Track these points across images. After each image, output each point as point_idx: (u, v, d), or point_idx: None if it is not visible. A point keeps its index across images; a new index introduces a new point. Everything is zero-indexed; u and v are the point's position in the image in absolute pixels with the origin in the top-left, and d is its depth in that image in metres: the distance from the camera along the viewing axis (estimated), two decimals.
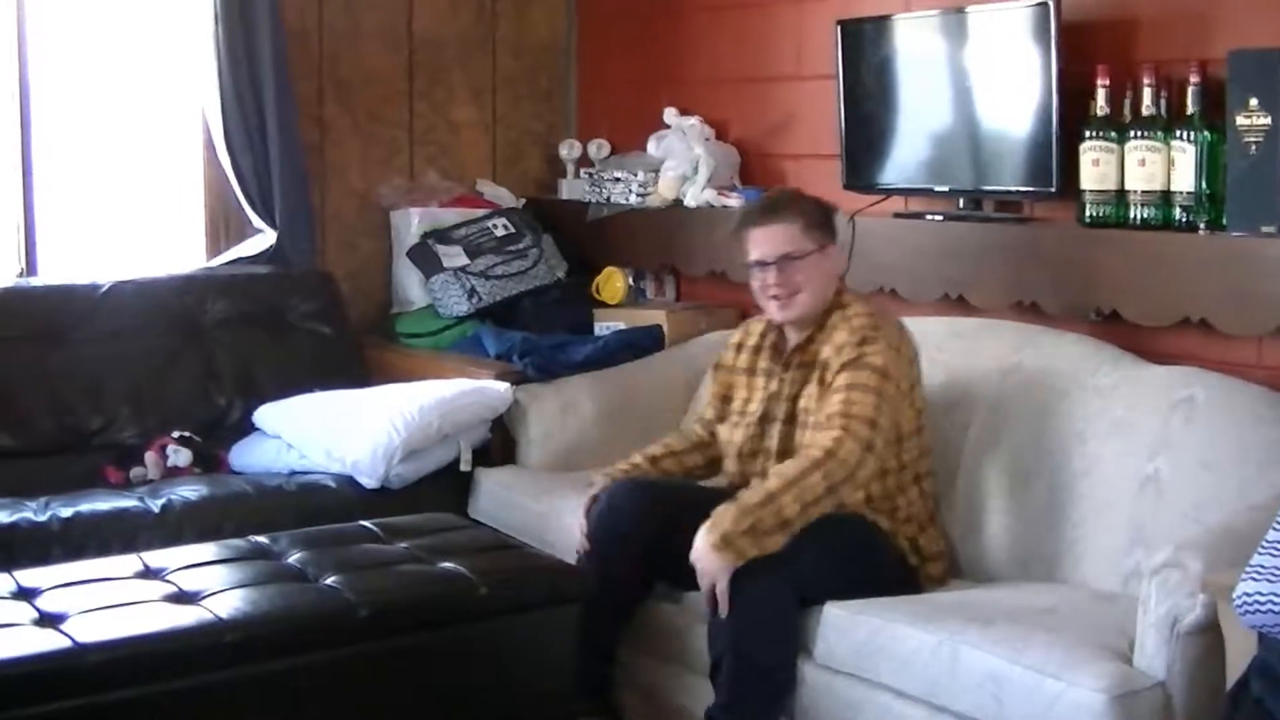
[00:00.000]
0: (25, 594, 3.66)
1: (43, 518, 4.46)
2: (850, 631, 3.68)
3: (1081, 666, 3.24)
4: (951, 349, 4.48)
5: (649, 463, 4.42)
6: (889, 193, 4.95)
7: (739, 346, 4.41)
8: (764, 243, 4.13)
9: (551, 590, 3.98)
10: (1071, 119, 4.30)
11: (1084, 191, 4.28)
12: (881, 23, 4.89)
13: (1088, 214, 4.28)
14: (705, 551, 3.75)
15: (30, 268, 5.57)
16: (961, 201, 4.75)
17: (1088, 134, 4.25)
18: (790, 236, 4.10)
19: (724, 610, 3.74)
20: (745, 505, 3.77)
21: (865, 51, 4.92)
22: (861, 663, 3.65)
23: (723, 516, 3.77)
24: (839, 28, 4.97)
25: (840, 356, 3.98)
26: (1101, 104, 4.22)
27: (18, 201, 5.53)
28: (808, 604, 3.80)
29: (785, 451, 4.09)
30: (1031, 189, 4.49)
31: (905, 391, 4.01)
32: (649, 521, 4.13)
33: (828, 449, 3.80)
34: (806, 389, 4.11)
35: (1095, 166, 4.24)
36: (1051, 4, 4.28)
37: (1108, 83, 4.21)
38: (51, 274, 5.54)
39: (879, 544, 4.01)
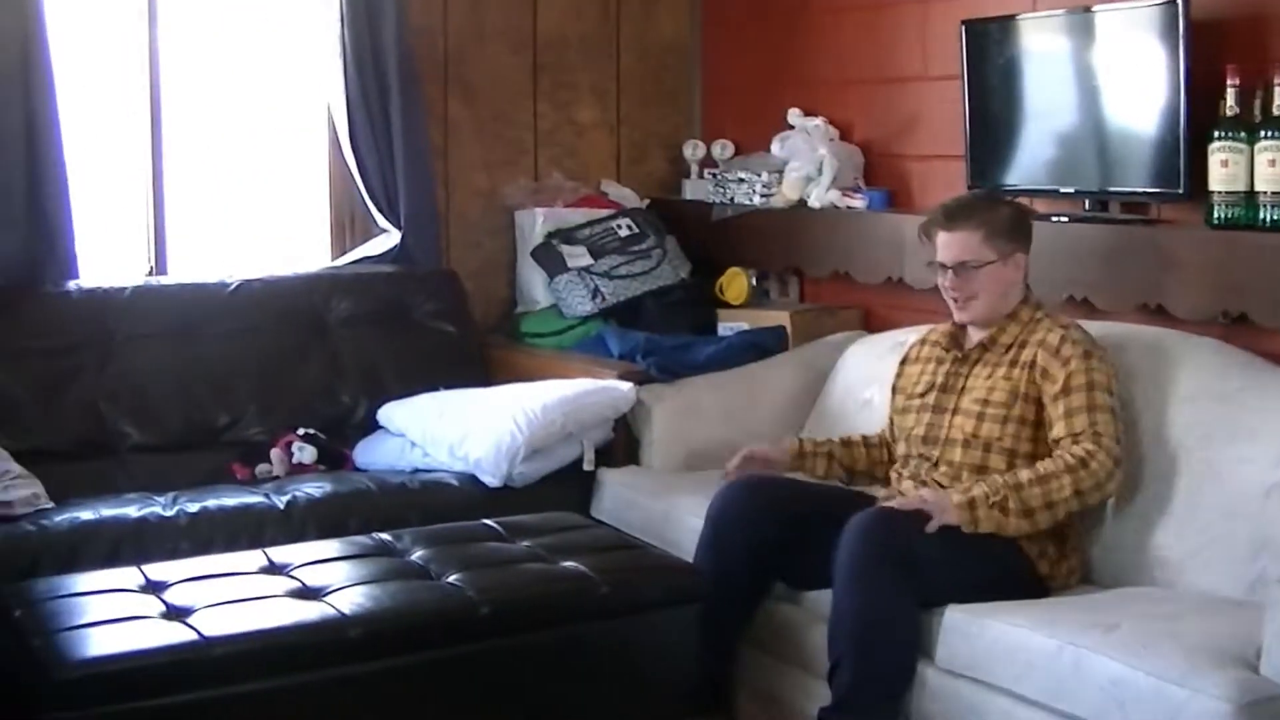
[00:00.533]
0: (153, 587, 3.73)
1: (171, 513, 4.52)
2: (971, 635, 3.65)
3: (1207, 674, 3.19)
4: None
5: (841, 443, 4.55)
6: (1014, 194, 4.90)
7: (922, 341, 4.45)
8: (943, 247, 4.18)
9: (672, 590, 3.98)
10: (1200, 119, 4.23)
11: (1212, 193, 4.21)
12: (1007, 22, 4.85)
13: (1216, 215, 4.21)
14: (945, 500, 3.88)
15: (160, 266, 5.67)
16: (1087, 203, 4.70)
17: (1217, 134, 4.18)
18: (969, 246, 4.12)
19: (901, 505, 3.93)
20: (996, 484, 3.90)
21: (990, 51, 4.89)
22: (982, 666, 3.62)
23: (974, 487, 3.91)
24: (964, 28, 4.94)
25: (1063, 362, 4.03)
26: (1231, 104, 4.15)
27: (148, 201, 5.63)
28: (930, 606, 3.78)
29: (965, 441, 4.11)
30: (1159, 190, 4.44)
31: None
32: (768, 521, 4.12)
33: (1081, 458, 3.88)
34: (990, 379, 4.13)
35: (1224, 167, 4.17)
36: (1180, 2, 4.22)
37: (1237, 82, 4.14)
38: (181, 273, 5.63)
39: (1007, 549, 3.96)
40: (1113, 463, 3.91)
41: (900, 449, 4.35)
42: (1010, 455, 4.06)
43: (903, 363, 4.50)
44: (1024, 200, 4.87)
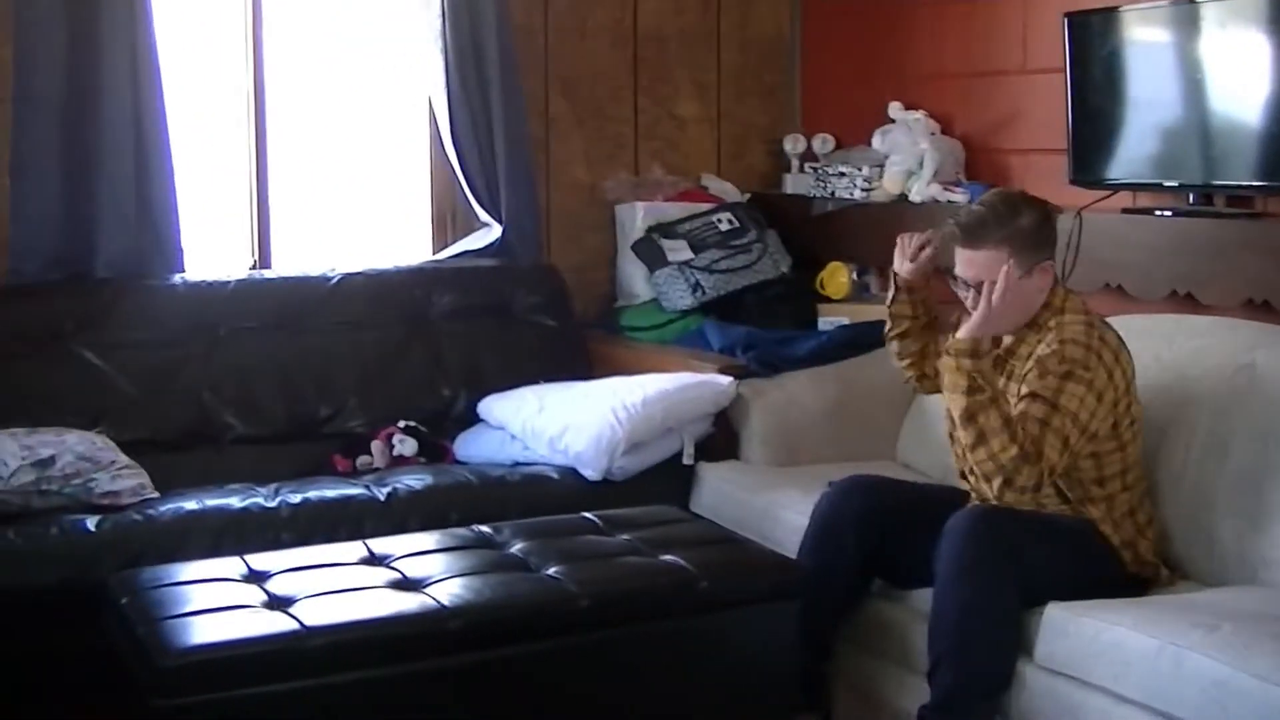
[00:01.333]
0: (256, 577, 3.77)
1: (273, 503, 4.57)
2: (1071, 633, 3.62)
3: None
4: (1181, 347, 4.37)
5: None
6: (1117, 188, 4.86)
7: None
8: (967, 266, 4.01)
9: (771, 585, 3.98)
10: None
11: None
12: (1110, 14, 4.80)
13: None
14: (998, 318, 3.88)
15: (264, 260, 5.73)
16: (1192, 196, 4.65)
17: None
18: (991, 265, 3.93)
19: (997, 297, 3.84)
20: (999, 395, 3.83)
21: (1093, 44, 4.84)
22: (1081, 665, 3.58)
23: (989, 372, 3.85)
24: (1066, 20, 4.90)
25: (1040, 374, 3.86)
26: None
27: (252, 195, 5.69)
28: (1032, 604, 3.75)
29: None
30: (1265, 184, 4.38)
31: (1109, 427, 3.91)
32: (876, 524, 4.10)
33: (1024, 456, 3.74)
34: (1010, 383, 4.04)
35: None
36: None
37: None
38: (284, 266, 5.69)
39: (1104, 546, 3.95)
40: (1034, 483, 3.76)
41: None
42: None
43: None
44: (1127, 194, 4.85)
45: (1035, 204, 4.05)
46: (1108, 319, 4.07)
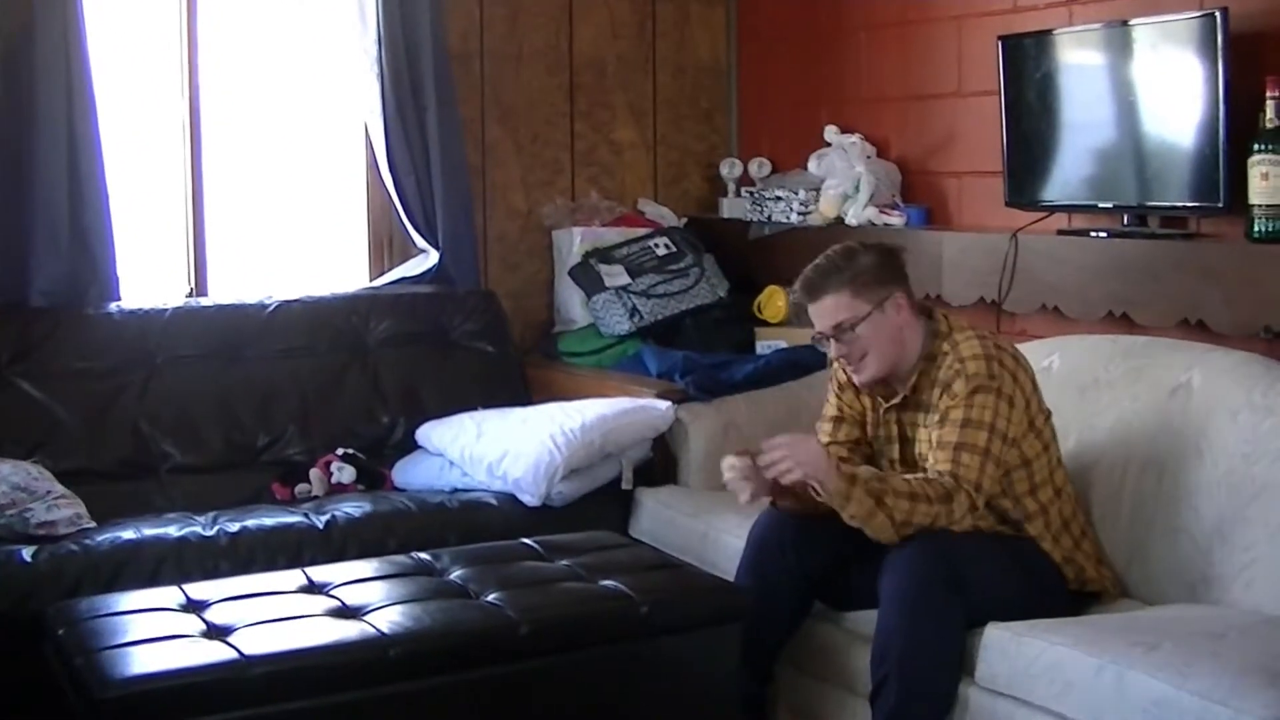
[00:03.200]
0: (194, 606, 3.75)
1: (211, 532, 4.54)
2: (1012, 653, 3.62)
3: (1250, 694, 3.15)
4: (1118, 368, 4.40)
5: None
6: (1052, 209, 4.90)
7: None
8: (817, 319, 4.03)
9: (713, 609, 3.98)
10: (1239, 132, 4.22)
11: (1253, 206, 4.20)
12: (1044, 38, 4.84)
13: (1257, 229, 4.20)
14: (821, 458, 3.76)
15: (200, 288, 5.71)
16: (1126, 218, 4.68)
17: (1256, 147, 4.17)
18: (839, 306, 3.96)
19: (764, 463, 3.77)
20: (888, 483, 3.76)
21: (1027, 67, 4.87)
22: (1023, 685, 3.58)
23: (858, 467, 3.87)
24: (1001, 43, 4.93)
25: (950, 395, 3.90)
26: (1271, 116, 4.14)
27: (188, 222, 5.67)
28: (974, 625, 3.75)
29: None
30: (1198, 204, 4.42)
31: (1025, 428, 3.95)
32: (813, 546, 4.07)
33: (947, 492, 3.77)
34: (920, 431, 4.05)
35: (1264, 181, 4.16)
36: (1219, 15, 4.21)
37: (1278, 94, 4.13)
38: (221, 294, 5.66)
39: (1046, 563, 3.97)
40: (967, 507, 3.80)
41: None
42: None
43: (841, 386, 4.29)
44: (1063, 216, 4.88)
45: (872, 247, 4.11)
46: (1046, 340, 4.10)
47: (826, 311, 3.99)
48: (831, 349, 4.05)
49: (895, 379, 4.07)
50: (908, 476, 3.85)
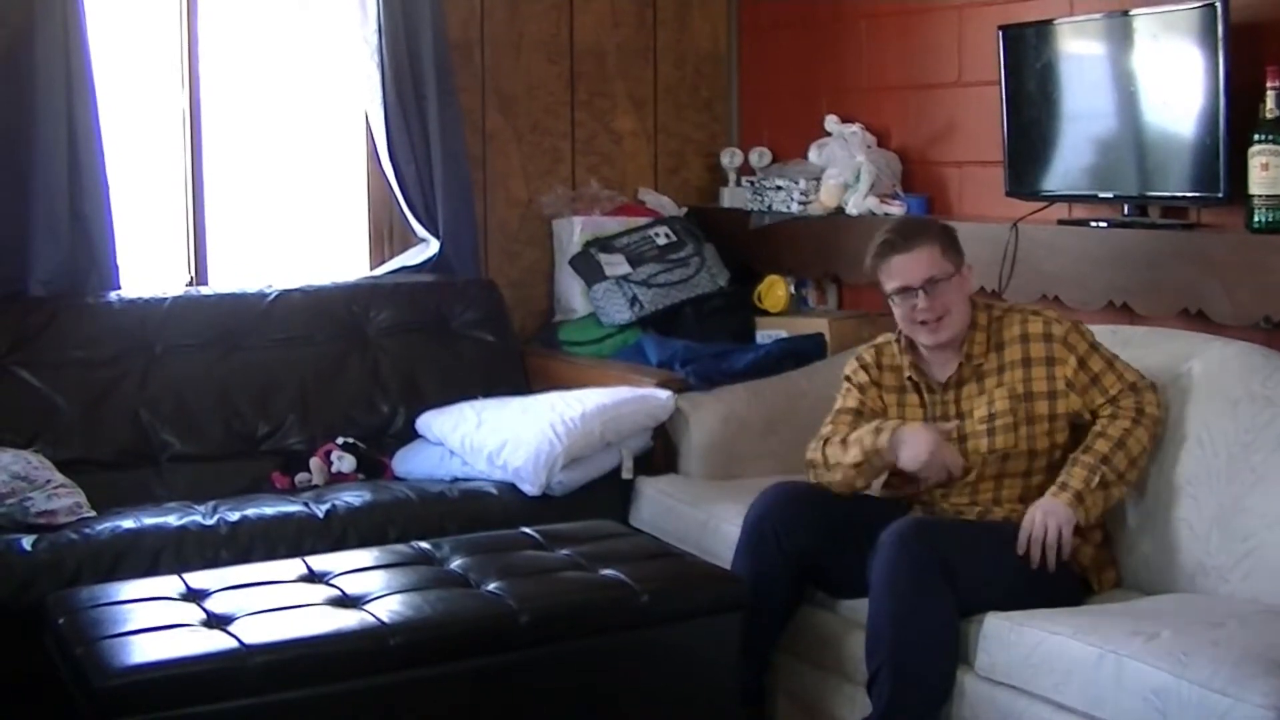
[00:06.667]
0: (194, 595, 3.75)
1: (211, 521, 4.54)
2: (1012, 643, 3.63)
3: (1250, 682, 3.15)
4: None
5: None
6: (1053, 199, 4.90)
7: (878, 365, 4.31)
8: (909, 269, 4.06)
9: (712, 598, 3.98)
10: (1240, 122, 4.21)
11: (1253, 196, 4.20)
12: (1044, 27, 4.83)
13: (1256, 219, 4.20)
14: (1055, 506, 3.89)
15: (200, 277, 5.70)
16: (1126, 208, 4.68)
17: (1257, 137, 4.17)
18: (933, 260, 4.06)
19: (1051, 563, 3.87)
20: (1088, 464, 3.93)
21: (1028, 57, 4.87)
22: (1022, 675, 3.60)
23: (1070, 477, 3.94)
24: (1001, 33, 4.93)
25: (1061, 341, 4.08)
26: (1271, 106, 4.14)
27: (188, 212, 5.66)
28: (970, 614, 3.76)
29: (982, 459, 4.09)
30: (1198, 194, 4.41)
31: None
32: (805, 528, 4.10)
33: (1137, 408, 4.01)
34: (985, 394, 4.10)
35: (1264, 171, 4.16)
36: (1219, 5, 4.20)
37: (1278, 84, 4.13)
38: (221, 283, 5.65)
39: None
40: (1155, 394, 4.05)
41: (891, 478, 4.28)
42: (1030, 456, 4.07)
43: (858, 385, 4.33)
44: (1063, 206, 4.88)
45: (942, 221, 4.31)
46: None
47: (921, 263, 4.06)
48: (920, 300, 4.06)
49: (951, 347, 4.14)
50: (1097, 434, 4.00)
